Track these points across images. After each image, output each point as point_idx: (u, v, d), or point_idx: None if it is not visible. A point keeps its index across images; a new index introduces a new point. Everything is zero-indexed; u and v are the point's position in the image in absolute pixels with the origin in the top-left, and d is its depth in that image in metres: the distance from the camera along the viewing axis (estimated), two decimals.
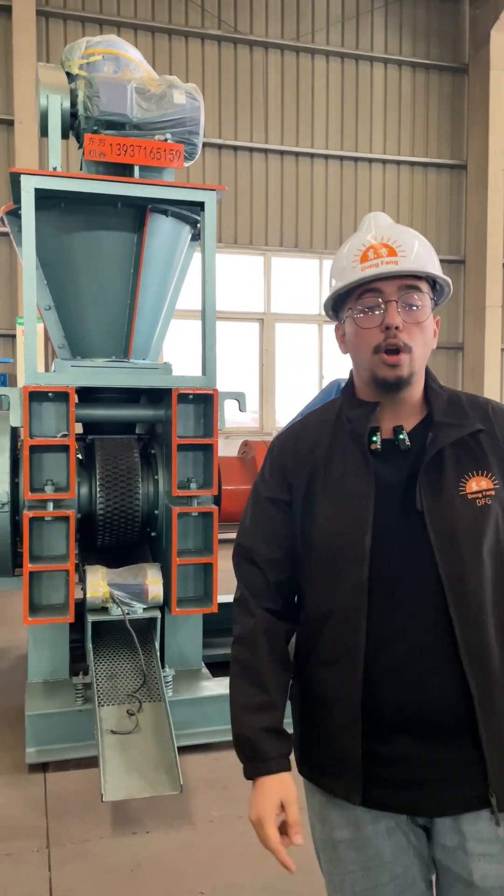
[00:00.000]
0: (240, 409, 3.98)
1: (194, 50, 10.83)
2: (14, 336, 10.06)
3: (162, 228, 4.02)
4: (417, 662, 1.39)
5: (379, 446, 1.45)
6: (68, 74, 4.02)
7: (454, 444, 1.44)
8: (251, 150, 11.07)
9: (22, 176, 3.48)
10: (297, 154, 11.29)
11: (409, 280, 1.42)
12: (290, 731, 1.54)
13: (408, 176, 11.83)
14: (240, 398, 4.01)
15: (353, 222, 11.60)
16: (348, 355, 1.54)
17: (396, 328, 1.40)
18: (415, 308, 1.43)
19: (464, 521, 1.40)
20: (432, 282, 1.48)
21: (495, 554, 1.41)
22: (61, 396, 3.63)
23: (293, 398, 10.69)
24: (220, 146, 10.82)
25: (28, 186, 3.48)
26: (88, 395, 4.12)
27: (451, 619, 1.37)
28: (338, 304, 1.53)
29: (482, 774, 1.37)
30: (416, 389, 1.49)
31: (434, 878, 1.49)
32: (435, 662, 1.39)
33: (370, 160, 11.62)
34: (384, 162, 11.69)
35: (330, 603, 1.45)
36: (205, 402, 3.83)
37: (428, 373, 1.52)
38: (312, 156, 11.37)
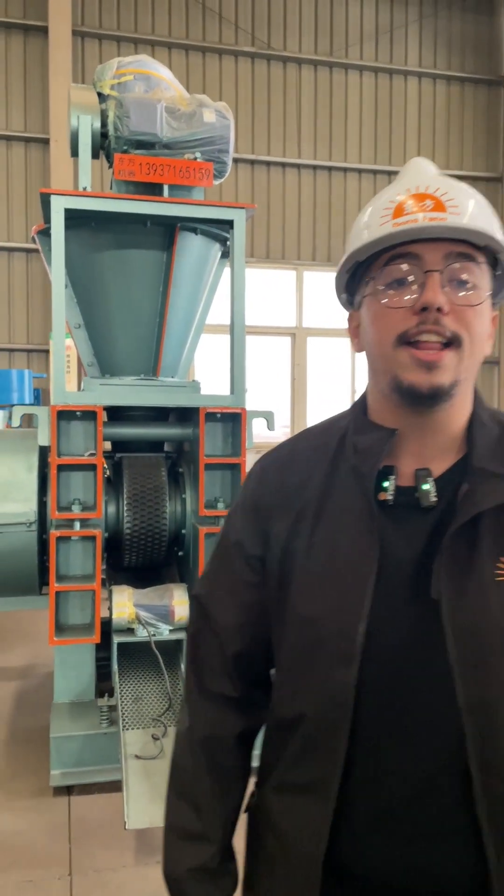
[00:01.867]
0: (268, 428, 3.93)
1: (228, 67, 10.89)
2: (48, 351, 10.17)
3: (191, 246, 4.00)
4: (416, 811, 0.98)
5: (391, 497, 1.02)
6: (100, 95, 4.04)
7: (501, 507, 0.99)
8: (284, 165, 11.07)
9: (52, 196, 3.49)
10: (330, 168, 11.27)
11: (461, 246, 0.98)
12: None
13: None
14: (268, 417, 3.96)
15: None
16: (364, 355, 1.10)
17: (439, 310, 0.96)
18: (468, 286, 0.98)
19: (499, 621, 0.96)
20: (493, 260, 1.03)
21: None
22: (89, 415, 3.62)
23: (325, 413, 10.61)
24: (252, 161, 10.85)
25: (58, 207, 3.49)
26: (118, 413, 4.11)
27: (468, 760, 0.95)
28: (354, 282, 1.09)
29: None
30: (459, 414, 1.04)
31: None
32: (441, 814, 0.98)
33: None
34: None
35: (302, 708, 1.05)
36: (233, 421, 3.78)
37: (476, 395, 1.08)
38: (346, 170, 11.34)
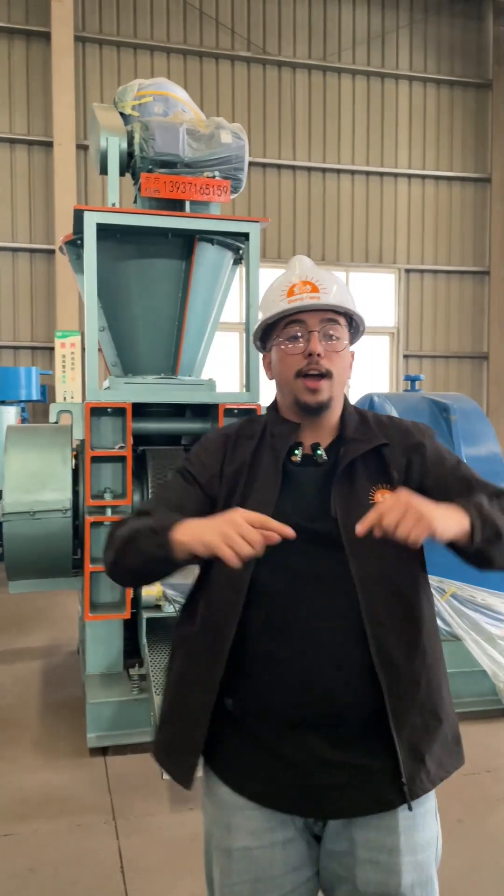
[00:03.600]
0: None
1: (225, 71, 11.21)
2: (52, 349, 10.49)
3: (208, 255, 4.35)
4: (323, 659, 1.42)
5: (299, 459, 1.57)
6: (121, 114, 4.38)
7: (363, 457, 1.54)
8: (280, 166, 11.41)
9: (85, 212, 3.83)
10: (324, 170, 11.63)
11: (329, 314, 1.56)
12: None
13: (433, 189, 12.11)
14: None
15: (380, 235, 11.91)
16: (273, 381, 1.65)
17: (318, 355, 1.52)
18: (334, 338, 1.56)
19: None
20: (349, 320, 1.61)
21: (399, 557, 1.45)
22: (118, 411, 3.97)
23: None
24: (249, 164, 11.14)
25: (90, 222, 3.83)
26: (138, 410, 4.45)
27: (362, 616, 1.41)
28: (266, 336, 1.65)
29: (389, 775, 1.42)
30: (335, 413, 1.61)
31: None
32: (342, 659, 1.42)
33: (396, 175, 11.92)
34: (409, 176, 11.98)
35: (217, 594, 1.49)
36: (248, 416, 4.14)
37: (345, 399, 1.66)
38: (339, 171, 11.69)
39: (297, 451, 1.58)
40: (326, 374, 1.54)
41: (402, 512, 1.28)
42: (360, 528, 1.32)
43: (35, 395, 9.52)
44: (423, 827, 1.49)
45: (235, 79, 11.25)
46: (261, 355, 1.71)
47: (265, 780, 1.47)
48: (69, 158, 10.28)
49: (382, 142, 11.84)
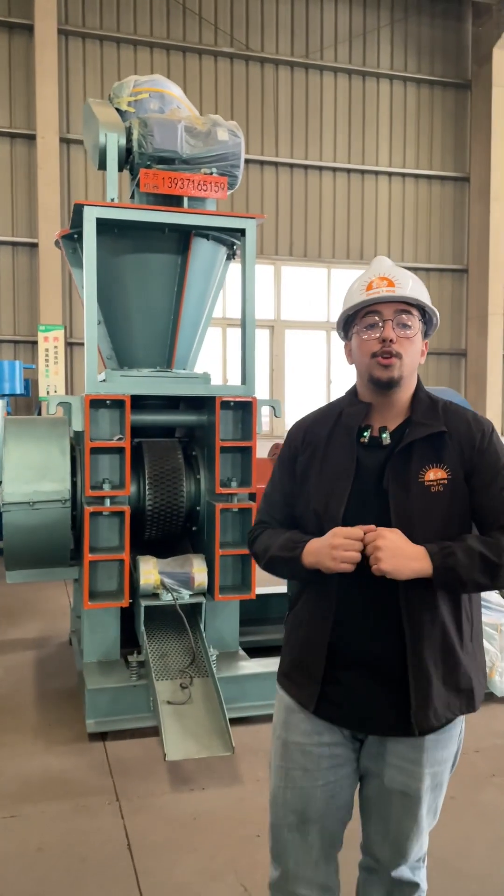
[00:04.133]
0: (275, 415, 4.39)
1: (207, 67, 11.25)
2: (35, 343, 10.48)
3: (203, 250, 4.42)
4: (370, 614, 1.75)
5: (366, 440, 1.81)
6: (117, 110, 4.44)
7: (423, 440, 1.76)
8: (262, 163, 11.49)
9: (84, 207, 3.89)
10: (306, 167, 11.73)
11: (403, 306, 1.78)
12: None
13: (413, 187, 12.27)
14: (275, 405, 4.42)
15: (360, 232, 12.04)
16: (353, 366, 1.90)
17: (391, 340, 1.74)
18: (406, 327, 1.77)
19: (418, 501, 1.72)
20: (422, 312, 1.83)
21: (441, 531, 1.71)
22: (117, 403, 4.04)
23: (302, 402, 11.12)
24: None
25: (90, 216, 3.89)
26: (133, 402, 4.52)
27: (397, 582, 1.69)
28: (347, 325, 1.87)
29: (407, 710, 1.74)
30: (405, 394, 1.82)
31: (359, 783, 1.93)
32: (383, 614, 1.73)
33: (376, 172, 12.06)
34: (390, 174, 12.13)
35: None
36: (244, 409, 4.24)
37: (419, 383, 1.86)
38: (321, 168, 11.80)
39: (365, 434, 1.81)
40: (397, 356, 1.75)
41: (374, 547, 1.63)
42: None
43: (19, 390, 9.51)
44: (444, 747, 1.82)
45: (218, 75, 11.29)
46: (343, 343, 1.94)
47: (324, 697, 1.81)
48: (52, 151, 10.27)
49: (363, 139, 11.97)
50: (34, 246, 10.47)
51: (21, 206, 10.60)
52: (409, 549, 1.65)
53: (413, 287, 1.80)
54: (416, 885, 1.94)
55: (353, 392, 1.91)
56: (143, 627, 4.07)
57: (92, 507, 3.97)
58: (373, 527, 1.65)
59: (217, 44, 11.21)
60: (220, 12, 11.22)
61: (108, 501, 3.99)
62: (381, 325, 1.76)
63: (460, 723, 1.86)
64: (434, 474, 1.74)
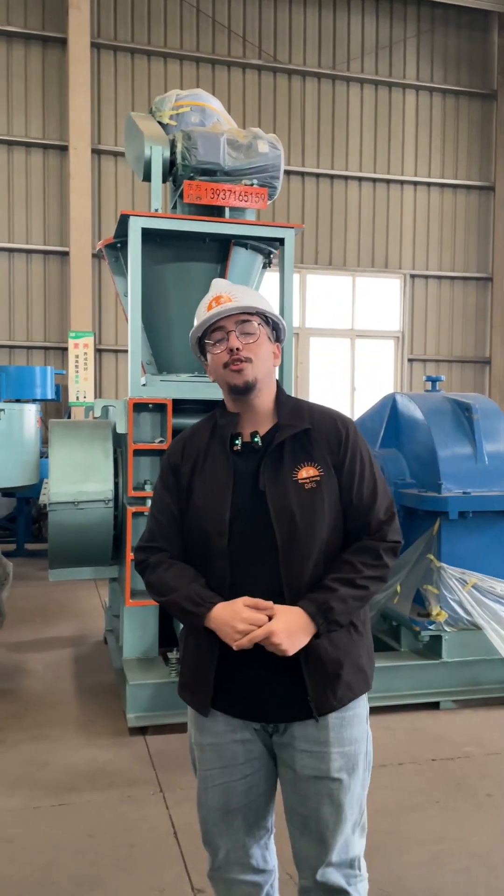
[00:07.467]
0: None
1: (236, 78, 11.43)
2: (65, 349, 10.67)
3: (242, 259, 4.55)
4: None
5: (239, 447, 1.90)
6: (159, 123, 4.59)
7: (292, 439, 1.87)
8: (289, 172, 11.61)
9: (130, 217, 4.02)
10: (332, 176, 11.86)
11: (243, 316, 1.88)
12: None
13: (438, 197, 12.35)
14: None
15: (385, 240, 12.14)
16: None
17: (237, 349, 1.85)
18: (249, 334, 1.88)
19: (294, 499, 1.83)
20: (266, 319, 1.93)
21: (319, 526, 1.83)
22: (158, 407, 4.16)
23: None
24: None
25: (136, 226, 4.03)
26: (173, 406, 4.64)
27: (280, 572, 1.81)
28: (202, 347, 1.97)
29: (306, 696, 1.84)
30: (266, 398, 1.92)
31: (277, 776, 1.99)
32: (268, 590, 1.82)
33: (402, 182, 12.16)
34: (415, 184, 12.22)
35: (204, 564, 1.88)
36: None
37: (278, 386, 1.98)
38: (347, 178, 11.92)
39: (237, 441, 1.91)
40: (247, 360, 1.86)
41: (268, 631, 1.73)
42: (247, 641, 1.75)
43: (50, 395, 9.70)
44: (350, 727, 1.90)
45: (247, 86, 11.47)
46: (204, 363, 2.03)
47: (227, 696, 1.89)
48: (84, 162, 10.48)
49: (389, 149, 12.08)
50: (65, 254, 10.68)
51: (53, 215, 10.81)
52: (296, 622, 1.76)
53: (251, 297, 1.93)
54: (346, 894, 1.91)
55: (223, 406, 2.00)
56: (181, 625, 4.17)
57: (134, 507, 4.09)
58: (270, 603, 1.75)
59: (245, 56, 11.39)
60: (248, 25, 11.40)
61: (149, 502, 4.11)
62: (227, 337, 1.87)
63: (364, 703, 1.95)
64: (307, 472, 1.86)
